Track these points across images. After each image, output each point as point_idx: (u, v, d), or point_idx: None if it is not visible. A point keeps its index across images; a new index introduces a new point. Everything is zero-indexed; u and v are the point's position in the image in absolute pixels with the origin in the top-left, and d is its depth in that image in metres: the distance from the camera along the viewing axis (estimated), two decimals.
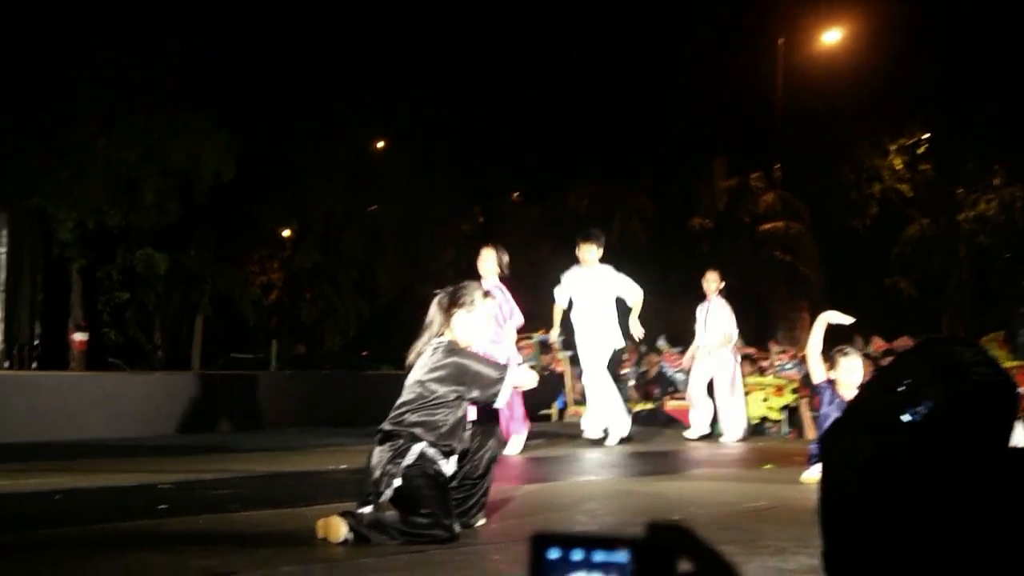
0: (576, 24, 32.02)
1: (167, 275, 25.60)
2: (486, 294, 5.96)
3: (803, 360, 16.06)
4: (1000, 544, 2.01)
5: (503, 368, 5.81)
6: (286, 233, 34.22)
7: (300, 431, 12.39)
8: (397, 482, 5.44)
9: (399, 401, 5.77)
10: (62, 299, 24.05)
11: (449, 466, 5.69)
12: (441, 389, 5.65)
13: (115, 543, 5.38)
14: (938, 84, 29.23)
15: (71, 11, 22.17)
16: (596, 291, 11.87)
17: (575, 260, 11.91)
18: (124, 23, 22.57)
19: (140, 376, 16.40)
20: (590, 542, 1.18)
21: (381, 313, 31.02)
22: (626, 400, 13.42)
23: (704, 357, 13.45)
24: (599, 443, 11.73)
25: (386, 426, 5.70)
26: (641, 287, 12.18)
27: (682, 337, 19.48)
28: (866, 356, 12.48)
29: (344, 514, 5.35)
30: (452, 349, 5.76)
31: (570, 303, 12.00)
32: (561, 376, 17.01)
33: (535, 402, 14.61)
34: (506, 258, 10.65)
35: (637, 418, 16.16)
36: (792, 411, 15.88)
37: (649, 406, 16.65)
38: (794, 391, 15.64)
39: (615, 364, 13.01)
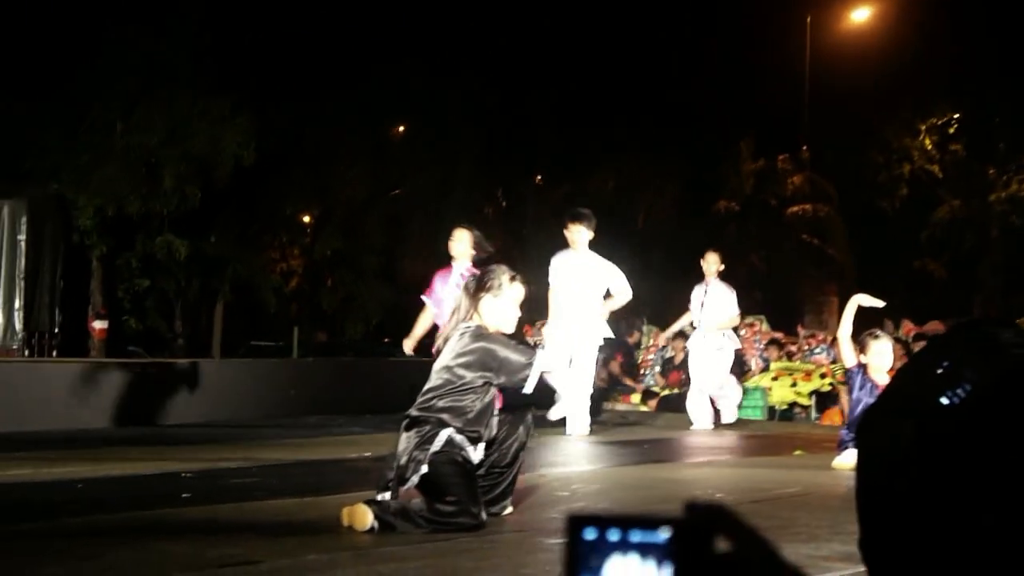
0: (600, 4, 31.92)
1: (187, 262, 25.63)
2: (513, 278, 5.93)
3: (832, 344, 16.05)
4: None
5: (531, 353, 5.78)
6: (306, 219, 34.24)
7: (322, 419, 12.41)
8: (424, 468, 5.43)
9: (426, 387, 5.76)
10: (82, 286, 24.13)
11: (476, 453, 5.68)
12: (469, 375, 5.63)
13: (138, 532, 5.40)
14: (969, 62, 29.02)
15: None
16: (584, 278, 11.25)
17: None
18: (143, 6, 22.60)
19: (161, 364, 16.46)
20: (627, 522, 1.16)
21: (404, 299, 31.07)
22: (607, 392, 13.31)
23: (700, 342, 13.06)
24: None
25: (413, 412, 5.69)
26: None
27: None
28: (896, 340, 12.44)
29: (369, 502, 5.35)
30: (479, 334, 5.74)
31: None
32: None
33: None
34: (482, 239, 10.18)
35: (664, 403, 16.17)
36: (821, 396, 15.83)
37: (675, 391, 16.64)
38: (823, 376, 15.59)
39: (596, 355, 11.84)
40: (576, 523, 1.19)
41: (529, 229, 32.86)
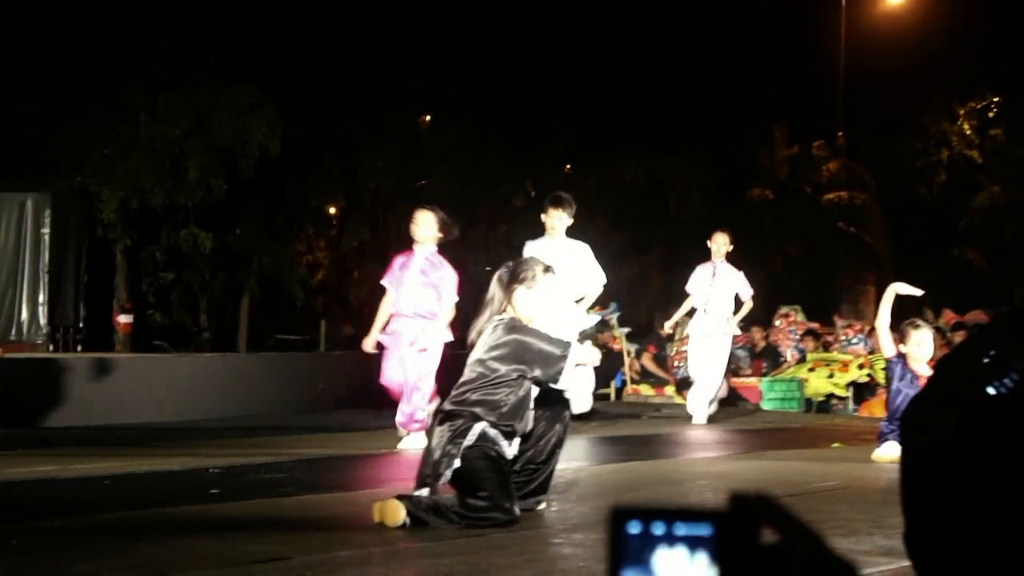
0: None
1: (212, 255, 25.69)
2: (547, 269, 5.92)
3: (870, 334, 15.99)
4: None
5: (566, 345, 5.76)
6: (333, 210, 34.29)
7: (350, 413, 12.43)
8: (456, 463, 5.43)
9: (460, 380, 5.76)
10: (106, 280, 24.24)
11: (511, 448, 5.68)
12: (502, 368, 5.63)
13: (167, 528, 5.43)
14: (1008, 44, 28.78)
15: None
16: (564, 266, 10.32)
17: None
18: None
19: (187, 358, 16.54)
20: (672, 515, 1.17)
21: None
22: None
23: (706, 326, 12.62)
24: None
25: (447, 406, 5.69)
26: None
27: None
28: (936, 329, 12.38)
29: (401, 497, 5.36)
30: (513, 326, 5.73)
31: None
32: (619, 354, 16.97)
33: (597, 383, 14.55)
34: (448, 222, 9.67)
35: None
36: (859, 387, 15.78)
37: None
38: (860, 366, 15.54)
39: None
40: (620, 516, 1.20)
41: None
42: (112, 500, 6.52)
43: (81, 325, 18.69)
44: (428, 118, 33.48)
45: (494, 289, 5.89)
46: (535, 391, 5.74)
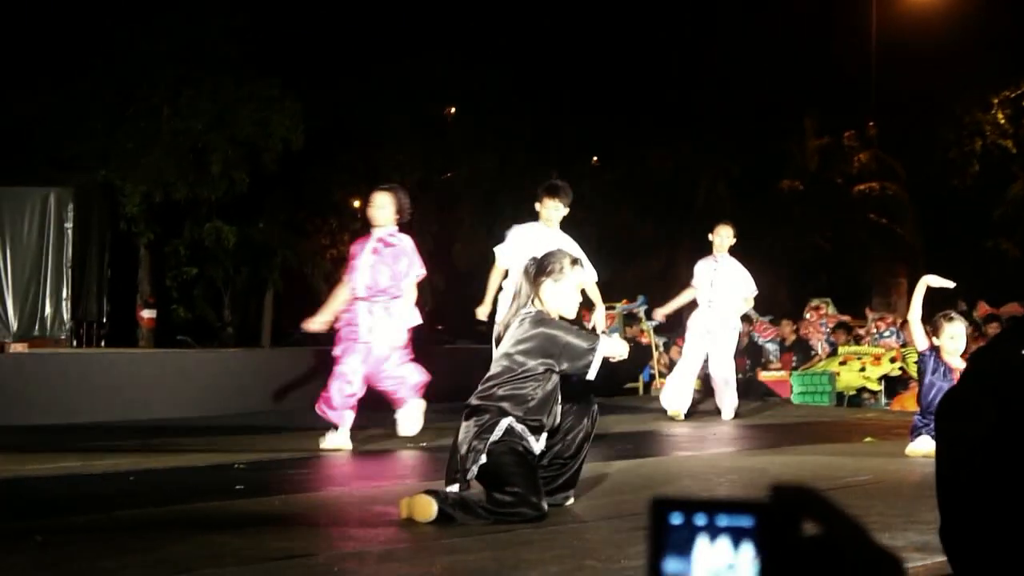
0: None
1: (236, 249, 25.78)
2: (574, 262, 5.90)
3: (902, 327, 15.93)
4: None
5: (594, 338, 5.75)
6: (356, 203, 34.35)
7: (375, 408, 12.44)
8: (483, 459, 5.43)
9: (487, 375, 5.76)
10: (129, 275, 24.36)
11: (538, 443, 5.67)
12: (530, 361, 5.62)
13: (191, 524, 5.45)
14: None
15: None
16: None
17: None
18: None
19: (211, 353, 16.59)
20: (714, 506, 1.17)
21: (457, 285, 31.09)
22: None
23: (706, 321, 12.15)
24: None
25: (473, 401, 5.69)
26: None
27: (766, 306, 19.36)
28: (971, 322, 12.31)
29: (428, 493, 5.36)
30: (540, 319, 5.72)
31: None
32: (647, 348, 16.95)
33: (621, 375, 14.57)
34: (407, 202, 9.34)
35: None
36: (891, 381, 15.72)
37: (738, 376, 16.58)
38: (892, 360, 15.48)
39: None
40: (662, 507, 1.20)
41: (585, 211, 32.81)
42: (136, 496, 6.55)
43: (104, 320, 18.75)
44: (452, 110, 33.51)
45: (521, 282, 5.88)
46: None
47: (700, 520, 1.18)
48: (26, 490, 6.93)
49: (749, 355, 17.09)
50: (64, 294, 16.62)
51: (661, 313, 13.22)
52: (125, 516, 5.79)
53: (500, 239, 10.16)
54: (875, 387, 15.57)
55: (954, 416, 2.37)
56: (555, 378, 5.68)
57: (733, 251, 12.22)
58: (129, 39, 22.20)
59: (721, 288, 12.13)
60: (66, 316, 16.66)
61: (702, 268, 12.33)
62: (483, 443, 5.45)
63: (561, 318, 5.85)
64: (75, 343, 16.82)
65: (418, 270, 9.26)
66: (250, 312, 31.20)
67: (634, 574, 4.18)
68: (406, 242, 9.26)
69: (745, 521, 1.17)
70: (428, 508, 5.23)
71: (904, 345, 15.69)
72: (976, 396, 2.30)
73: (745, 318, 17.60)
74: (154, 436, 9.99)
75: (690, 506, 1.18)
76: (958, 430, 2.33)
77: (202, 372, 13.42)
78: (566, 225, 10.11)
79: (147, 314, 23.81)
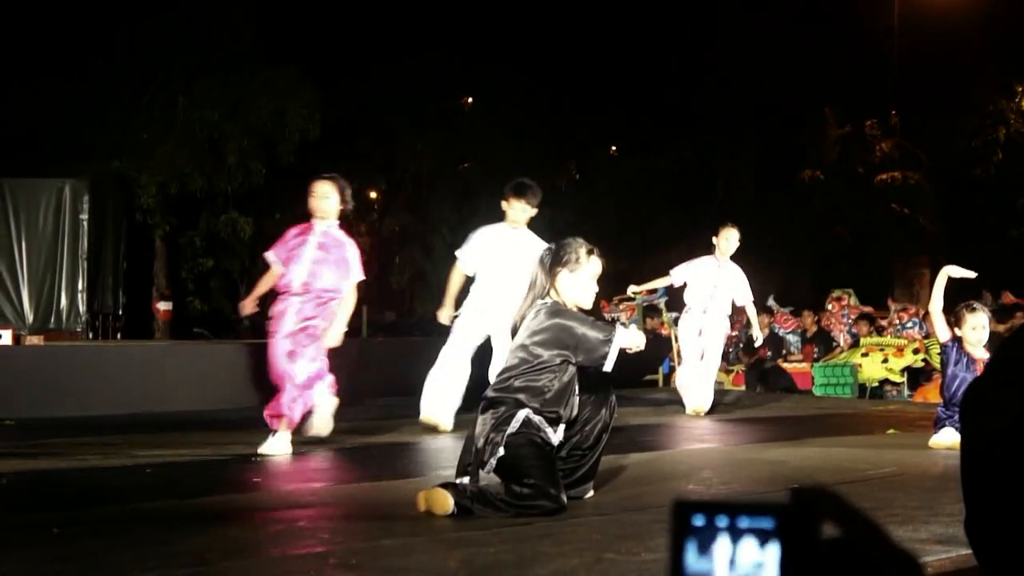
0: None
1: (252, 240, 25.80)
2: (590, 252, 5.89)
3: (925, 318, 15.89)
4: None
5: (610, 330, 5.73)
6: (373, 195, 34.39)
7: (393, 400, 12.46)
8: (500, 451, 5.43)
9: (503, 367, 5.76)
10: (145, 267, 24.42)
11: (556, 435, 5.67)
12: (545, 353, 5.61)
13: (207, 518, 5.46)
14: None
15: None
16: (520, 259, 9.09)
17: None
18: None
19: (227, 346, 16.61)
20: (735, 508, 1.17)
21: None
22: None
23: (696, 327, 11.82)
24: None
25: (490, 393, 5.69)
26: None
27: (789, 297, 19.33)
28: (996, 312, 12.26)
29: (446, 485, 5.37)
30: (556, 310, 5.72)
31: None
32: (667, 340, 16.94)
33: (641, 367, 14.55)
34: (350, 192, 8.86)
35: (749, 379, 16.12)
36: (913, 373, 15.69)
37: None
38: (915, 351, 15.44)
39: None
40: (682, 508, 1.20)
41: (603, 202, 32.79)
42: (152, 489, 6.57)
43: (120, 312, 18.82)
44: (470, 100, 33.51)
45: (536, 272, 5.87)
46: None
47: (722, 522, 1.19)
48: (42, 483, 6.96)
49: (770, 346, 17.07)
50: (80, 286, 16.69)
51: (634, 290, 12.94)
52: (141, 509, 5.81)
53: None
54: (898, 379, 15.55)
55: (978, 408, 2.36)
56: (572, 369, 5.67)
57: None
58: (144, 30, 22.23)
59: (722, 294, 11.79)
60: (82, 308, 16.73)
61: (703, 270, 11.87)
62: (501, 435, 5.45)
63: (578, 309, 5.84)
64: (91, 335, 16.88)
65: (359, 275, 8.76)
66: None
67: (654, 567, 4.17)
68: (351, 244, 8.79)
69: (766, 523, 1.18)
70: (445, 501, 5.23)
71: (927, 336, 15.65)
72: (1001, 387, 2.29)
73: (767, 309, 17.61)
74: (170, 429, 10.01)
75: (712, 508, 1.19)
76: (982, 422, 2.32)
77: (218, 365, 13.44)
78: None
79: (163, 306, 23.86)
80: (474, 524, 5.09)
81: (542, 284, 5.82)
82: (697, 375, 11.80)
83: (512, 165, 31.21)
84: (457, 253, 10.07)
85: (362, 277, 8.78)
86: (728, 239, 11.74)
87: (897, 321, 17.23)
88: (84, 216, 16.78)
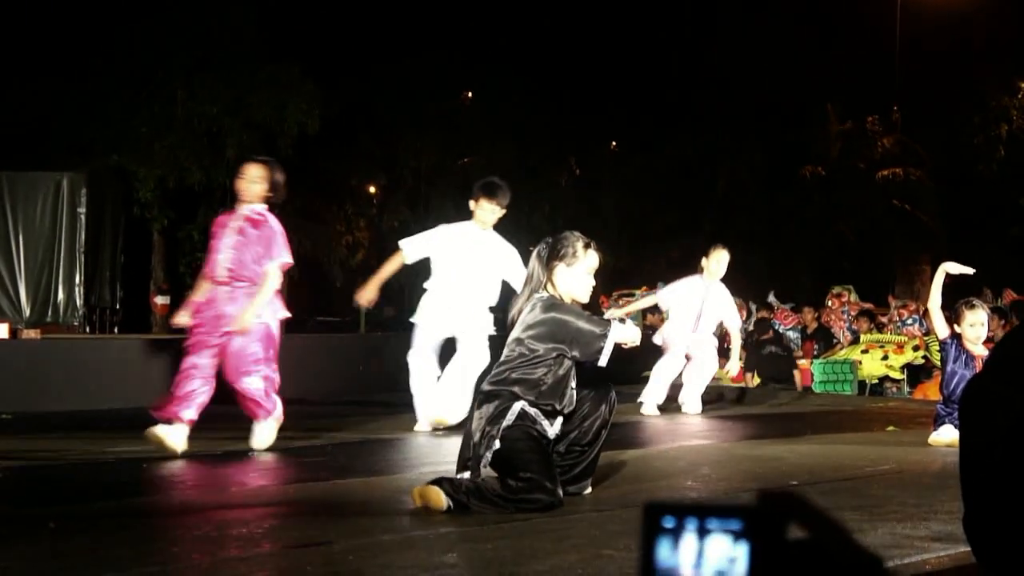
0: None
1: None
2: (588, 245, 5.89)
3: (925, 315, 15.89)
4: None
5: (606, 324, 5.73)
6: (373, 189, 34.38)
7: (391, 395, 12.47)
8: (496, 444, 5.43)
9: (500, 360, 5.77)
10: (143, 261, 24.43)
11: (552, 427, 5.68)
12: (540, 347, 5.62)
13: (206, 512, 5.47)
14: None
15: None
16: (485, 260, 9.41)
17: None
18: None
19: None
20: (704, 510, 1.19)
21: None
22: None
23: (683, 344, 11.65)
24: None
25: (486, 386, 5.70)
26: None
27: (790, 293, 19.33)
28: (996, 309, 12.26)
29: (442, 480, 5.36)
30: (551, 304, 5.72)
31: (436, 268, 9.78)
32: None
33: (640, 364, 14.52)
34: (281, 178, 8.30)
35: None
36: (913, 369, 15.69)
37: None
38: (916, 348, 15.45)
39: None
40: (652, 511, 1.22)
41: (604, 200, 32.80)
42: (150, 483, 6.58)
43: (118, 306, 18.83)
44: (470, 95, 33.50)
45: (533, 266, 5.87)
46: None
47: (691, 524, 1.21)
48: (39, 477, 6.97)
49: (773, 343, 17.07)
50: (77, 280, 16.67)
51: (619, 314, 12.74)
52: (140, 504, 5.82)
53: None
54: (898, 375, 15.56)
55: (978, 405, 2.37)
56: (568, 363, 5.67)
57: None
58: (145, 24, 22.23)
59: (708, 318, 11.60)
60: (79, 302, 16.71)
61: (690, 291, 11.60)
62: (496, 429, 5.46)
63: (574, 303, 5.85)
64: (88, 329, 16.88)
65: (284, 256, 8.24)
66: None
67: None
68: (274, 223, 8.22)
69: (735, 525, 1.20)
70: (439, 498, 5.23)
71: (927, 333, 15.66)
72: (1001, 385, 2.30)
73: (767, 305, 17.60)
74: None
75: (681, 510, 1.21)
76: (982, 419, 2.33)
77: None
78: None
79: (160, 300, 23.88)
80: (473, 520, 5.10)
81: (539, 278, 5.83)
82: (687, 379, 11.74)
83: (513, 162, 31.26)
84: (402, 243, 9.78)
85: (286, 259, 8.28)
86: (719, 261, 11.42)
87: (897, 318, 17.24)
88: (82, 210, 16.76)
